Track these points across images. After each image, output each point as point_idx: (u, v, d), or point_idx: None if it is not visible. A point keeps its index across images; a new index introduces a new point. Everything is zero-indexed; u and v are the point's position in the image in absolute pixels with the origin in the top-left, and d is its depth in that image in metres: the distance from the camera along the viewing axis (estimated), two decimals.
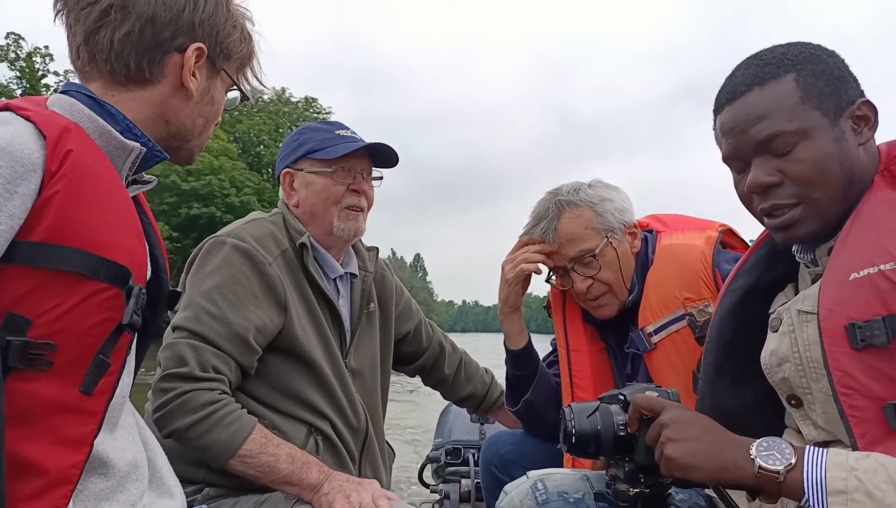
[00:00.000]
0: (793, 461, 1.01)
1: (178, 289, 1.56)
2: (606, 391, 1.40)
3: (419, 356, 2.34)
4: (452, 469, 2.83)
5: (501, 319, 2.05)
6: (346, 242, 1.96)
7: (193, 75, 1.22)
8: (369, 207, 1.98)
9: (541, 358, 2.11)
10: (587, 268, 1.88)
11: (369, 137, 1.96)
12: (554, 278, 1.99)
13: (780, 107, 1.16)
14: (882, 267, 1.05)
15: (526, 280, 2.00)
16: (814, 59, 1.19)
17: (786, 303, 1.26)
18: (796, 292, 1.30)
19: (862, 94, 1.19)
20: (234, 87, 1.33)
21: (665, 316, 1.79)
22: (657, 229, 1.98)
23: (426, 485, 3.12)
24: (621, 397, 1.35)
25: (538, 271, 1.99)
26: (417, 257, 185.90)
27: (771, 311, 1.31)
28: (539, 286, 2.20)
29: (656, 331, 1.80)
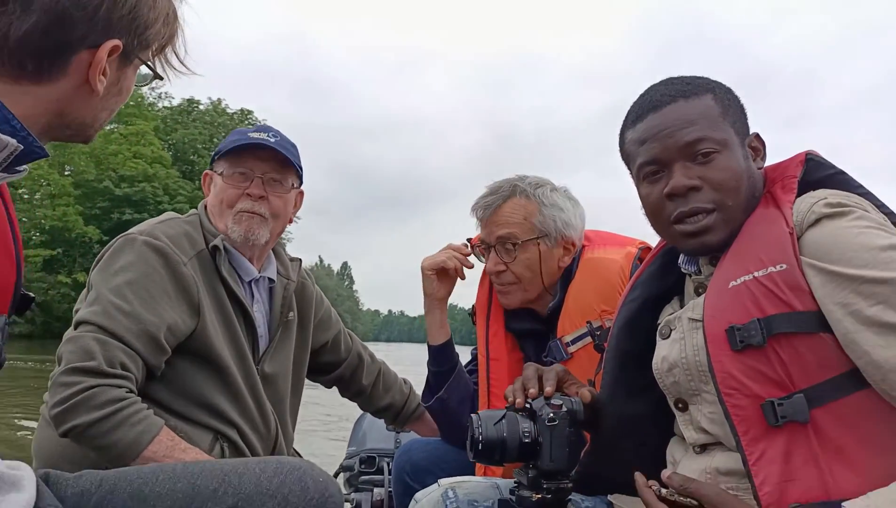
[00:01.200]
0: None
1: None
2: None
3: (337, 367, 2.27)
4: (366, 477, 2.73)
5: (425, 312, 2.03)
6: (250, 247, 1.86)
7: (103, 73, 1.02)
8: (274, 213, 1.88)
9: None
10: (505, 254, 1.87)
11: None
12: (478, 249, 1.97)
13: (706, 116, 1.20)
14: (756, 274, 1.11)
15: (445, 276, 1.99)
16: (724, 88, 1.25)
17: (674, 313, 1.28)
18: (682, 303, 1.32)
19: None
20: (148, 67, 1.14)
21: (583, 327, 1.79)
22: (583, 243, 1.98)
23: None
24: (528, 405, 1.34)
25: (453, 270, 1.97)
26: (345, 266, 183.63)
27: (659, 321, 1.33)
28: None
29: (574, 341, 1.80)
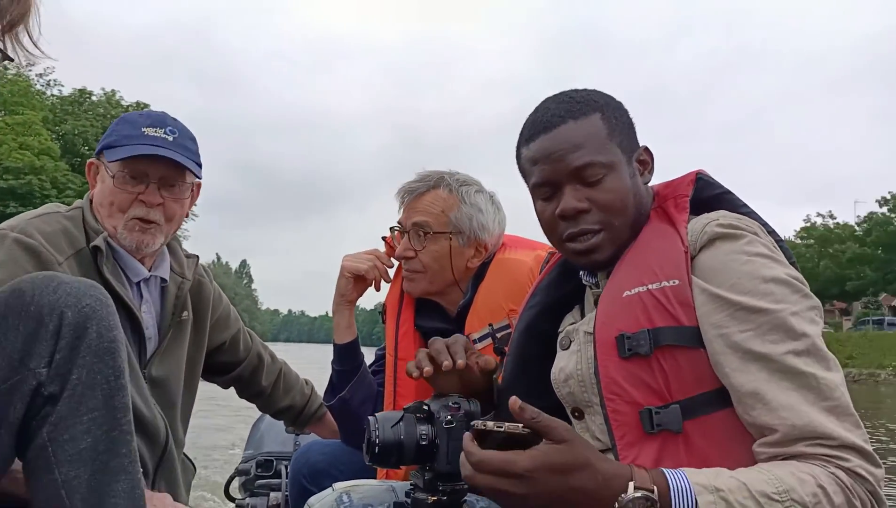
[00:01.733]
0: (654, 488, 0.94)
1: None
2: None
3: (235, 367, 2.16)
4: (263, 481, 2.61)
5: (333, 311, 1.96)
6: (140, 252, 1.74)
7: None
8: (170, 220, 1.76)
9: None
10: (416, 240, 1.85)
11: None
12: (395, 232, 1.93)
13: (593, 139, 1.20)
14: (650, 286, 1.13)
15: (362, 281, 1.93)
16: (613, 104, 1.26)
17: (574, 324, 1.29)
18: (582, 312, 1.34)
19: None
20: None
21: (491, 325, 1.78)
22: (496, 249, 1.97)
23: (232, 499, 2.82)
24: (425, 407, 1.31)
25: (371, 281, 1.91)
26: (244, 264, 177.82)
27: (560, 330, 1.33)
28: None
29: (481, 338, 1.79)
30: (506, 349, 1.44)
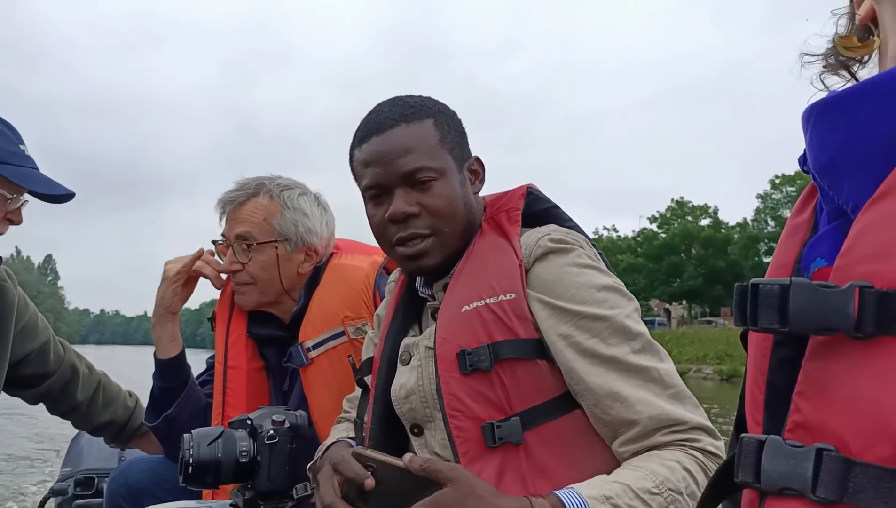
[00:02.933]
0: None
1: None
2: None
3: (43, 380, 1.86)
4: (82, 501, 2.25)
5: (154, 323, 1.74)
6: None
7: None
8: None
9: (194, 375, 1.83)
10: (241, 253, 1.69)
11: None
12: (219, 246, 1.76)
13: (425, 144, 1.17)
14: (487, 301, 1.11)
15: (189, 283, 1.75)
16: (447, 112, 1.23)
17: (414, 337, 1.24)
18: (421, 328, 1.29)
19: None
20: None
21: (325, 332, 1.68)
22: (332, 251, 1.85)
23: None
24: (248, 421, 1.19)
25: (213, 279, 1.76)
26: (49, 259, 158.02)
27: (400, 347, 1.28)
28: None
29: (315, 346, 1.67)
30: (366, 379, 1.33)
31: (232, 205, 1.71)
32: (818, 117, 0.53)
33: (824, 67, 0.67)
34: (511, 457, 1.06)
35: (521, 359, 1.08)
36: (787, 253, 0.58)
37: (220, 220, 1.74)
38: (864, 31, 0.63)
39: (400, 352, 1.23)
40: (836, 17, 0.68)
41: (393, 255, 1.22)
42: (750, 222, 50.10)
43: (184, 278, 1.73)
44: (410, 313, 1.30)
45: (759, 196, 49.59)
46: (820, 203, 0.58)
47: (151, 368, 1.76)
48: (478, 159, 1.27)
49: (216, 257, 1.79)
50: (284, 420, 1.20)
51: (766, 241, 47.37)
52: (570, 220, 1.25)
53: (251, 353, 1.78)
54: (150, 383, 1.76)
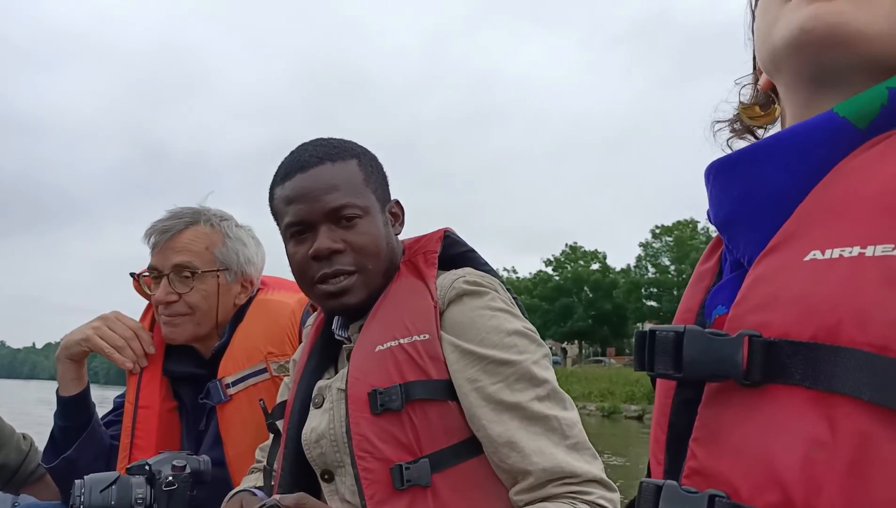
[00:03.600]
0: None
1: None
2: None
3: None
4: None
5: (58, 359, 1.59)
6: None
7: None
8: None
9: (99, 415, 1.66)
10: (180, 283, 1.57)
11: None
12: (145, 277, 1.63)
13: (350, 183, 1.16)
14: (401, 341, 1.09)
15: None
16: (369, 155, 1.23)
17: (328, 380, 1.20)
18: (336, 370, 1.25)
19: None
20: None
21: (246, 368, 1.58)
22: (259, 287, 1.76)
23: None
24: (147, 467, 1.10)
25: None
26: None
27: (314, 390, 1.23)
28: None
29: (235, 383, 1.57)
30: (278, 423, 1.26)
31: (168, 234, 1.60)
32: (717, 175, 0.56)
33: (731, 132, 0.71)
34: (419, 500, 1.03)
35: (433, 400, 1.06)
36: (693, 299, 0.60)
37: (152, 250, 1.62)
38: (766, 99, 0.68)
39: (313, 395, 1.18)
40: (739, 86, 0.73)
41: (313, 293, 1.18)
42: (633, 268, 52.89)
43: (108, 350, 1.58)
44: (326, 356, 1.26)
45: (640, 244, 52.56)
46: (724, 252, 0.60)
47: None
48: (398, 202, 1.26)
49: (145, 289, 1.66)
50: (185, 466, 1.11)
51: (647, 286, 50.13)
52: (486, 264, 1.25)
53: (166, 392, 1.65)
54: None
